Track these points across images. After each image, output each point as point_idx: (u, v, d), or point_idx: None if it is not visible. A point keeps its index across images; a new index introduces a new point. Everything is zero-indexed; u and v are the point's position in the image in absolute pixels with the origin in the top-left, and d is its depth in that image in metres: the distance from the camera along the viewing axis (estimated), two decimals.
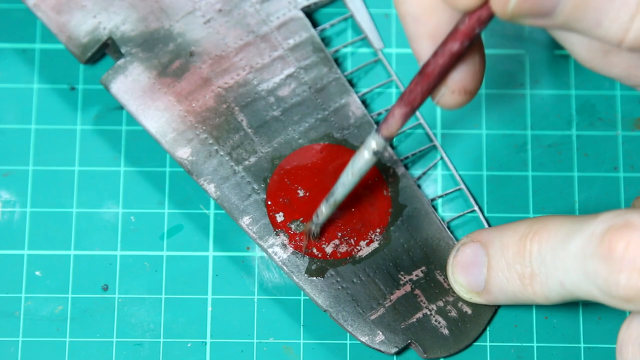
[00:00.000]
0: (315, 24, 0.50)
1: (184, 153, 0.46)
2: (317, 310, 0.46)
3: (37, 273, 0.47)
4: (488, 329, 0.46)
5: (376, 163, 0.47)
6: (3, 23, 0.50)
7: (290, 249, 0.45)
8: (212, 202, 0.48)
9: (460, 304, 0.45)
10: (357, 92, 0.49)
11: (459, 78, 0.39)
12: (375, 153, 0.40)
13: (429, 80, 0.38)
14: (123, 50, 0.48)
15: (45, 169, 0.48)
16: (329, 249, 0.45)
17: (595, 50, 0.39)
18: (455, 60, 0.38)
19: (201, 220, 0.48)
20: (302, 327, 0.46)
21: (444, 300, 0.45)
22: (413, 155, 0.48)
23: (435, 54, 0.38)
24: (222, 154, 0.47)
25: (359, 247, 0.46)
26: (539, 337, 0.46)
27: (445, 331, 0.45)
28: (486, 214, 0.48)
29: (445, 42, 0.38)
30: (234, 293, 0.47)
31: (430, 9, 0.38)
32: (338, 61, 0.50)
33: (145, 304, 0.46)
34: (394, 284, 0.45)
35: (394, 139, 0.49)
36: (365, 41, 0.50)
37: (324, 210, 0.44)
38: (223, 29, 0.48)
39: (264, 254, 0.47)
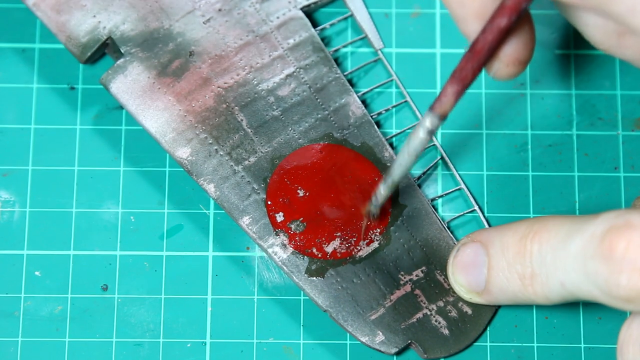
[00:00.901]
0: (315, 24, 0.50)
1: (183, 153, 0.46)
2: (317, 311, 0.46)
3: (37, 273, 0.47)
4: (488, 329, 0.46)
5: (376, 163, 0.47)
6: (3, 23, 0.50)
7: (290, 249, 0.45)
8: (211, 202, 0.48)
9: (460, 304, 0.45)
10: (357, 92, 0.49)
11: (512, 51, 0.39)
12: (430, 132, 0.40)
13: (479, 57, 0.38)
14: (123, 50, 0.48)
15: (45, 168, 0.48)
16: (329, 249, 0.45)
17: (610, 32, 0.39)
18: (505, 35, 0.38)
19: (201, 220, 0.48)
20: (302, 327, 0.46)
21: (444, 300, 0.45)
22: None
23: (484, 31, 0.38)
24: (221, 153, 0.46)
25: (359, 247, 0.46)
26: (539, 337, 0.46)
27: (446, 331, 0.45)
28: (486, 214, 0.48)
29: (493, 19, 0.38)
30: (233, 293, 0.47)
31: None
32: (338, 61, 0.50)
33: (145, 304, 0.46)
34: (394, 284, 0.45)
35: (394, 139, 0.49)
36: (365, 41, 0.50)
37: (382, 191, 0.43)
38: (223, 28, 0.48)
39: (264, 254, 0.47)
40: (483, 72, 0.49)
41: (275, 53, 0.48)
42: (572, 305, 0.46)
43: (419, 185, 0.48)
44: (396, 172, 0.42)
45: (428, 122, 0.40)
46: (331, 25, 0.50)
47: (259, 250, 0.47)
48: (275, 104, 0.48)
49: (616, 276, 0.36)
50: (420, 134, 0.40)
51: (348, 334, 0.46)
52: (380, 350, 0.45)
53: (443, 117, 0.40)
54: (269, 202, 0.46)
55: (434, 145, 0.48)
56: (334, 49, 0.49)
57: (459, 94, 0.39)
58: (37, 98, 0.49)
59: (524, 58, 0.40)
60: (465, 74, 0.39)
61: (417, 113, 0.49)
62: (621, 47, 0.39)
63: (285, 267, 0.45)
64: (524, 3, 0.37)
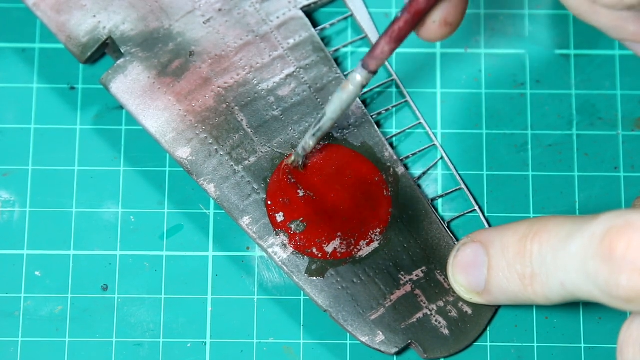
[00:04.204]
0: (315, 24, 0.50)
1: (183, 153, 0.46)
2: (317, 310, 0.46)
3: (37, 273, 0.47)
4: (488, 329, 0.46)
5: (376, 163, 0.47)
6: (3, 23, 0.50)
7: (290, 249, 0.45)
8: (212, 202, 0.48)
9: (460, 304, 0.45)
10: None
11: (443, 13, 0.41)
12: (361, 86, 0.42)
13: (414, 16, 0.40)
14: (123, 50, 0.48)
15: (45, 168, 0.48)
16: (329, 249, 0.45)
17: None
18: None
19: (201, 220, 0.48)
20: (302, 327, 0.46)
21: (444, 300, 0.45)
22: (413, 155, 0.48)
23: None
24: (222, 153, 0.46)
25: (359, 247, 0.46)
26: (540, 337, 0.46)
27: (446, 331, 0.45)
28: (486, 214, 0.48)
29: None
30: (234, 293, 0.47)
31: None
32: (338, 61, 0.50)
33: (145, 304, 0.46)
34: (394, 284, 0.45)
35: (394, 139, 0.49)
36: (365, 41, 0.50)
37: (310, 142, 0.45)
38: (223, 28, 0.48)
39: (264, 254, 0.47)
40: (484, 75, 0.49)
41: (276, 53, 0.48)
42: (572, 305, 0.46)
43: (419, 185, 0.48)
44: (326, 124, 0.44)
45: (359, 77, 0.42)
46: (331, 25, 0.50)
47: (259, 250, 0.47)
48: (275, 103, 0.48)
49: (616, 276, 0.36)
50: (351, 88, 0.42)
51: (348, 334, 0.46)
52: (380, 350, 0.45)
53: (374, 73, 0.42)
54: (269, 202, 0.46)
55: (434, 144, 0.48)
56: (334, 49, 0.49)
57: (392, 51, 0.41)
58: (37, 98, 0.49)
59: (452, 20, 0.41)
60: (400, 32, 0.41)
61: (418, 113, 0.49)
62: (594, 14, 0.40)
63: (285, 267, 0.45)
64: None
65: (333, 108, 0.43)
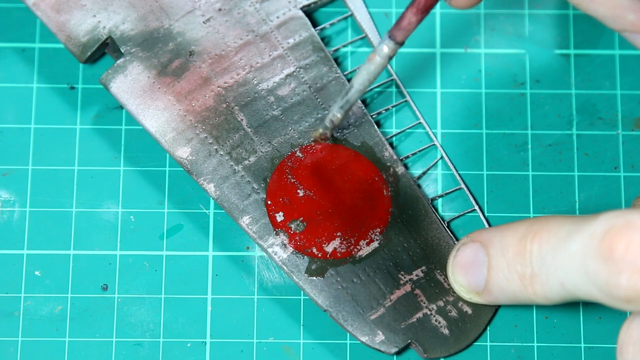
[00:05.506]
0: (315, 24, 0.50)
1: (183, 152, 0.46)
2: (317, 310, 0.46)
3: (37, 273, 0.47)
4: (488, 328, 0.46)
5: (376, 163, 0.47)
6: (3, 22, 0.50)
7: (290, 249, 0.45)
8: (211, 202, 0.48)
9: (460, 303, 0.45)
10: None
11: None
12: (388, 57, 0.42)
13: None
14: (123, 50, 0.48)
15: (45, 168, 0.48)
16: (329, 249, 0.45)
17: None
18: None
19: (201, 219, 0.48)
20: (302, 327, 0.46)
21: (444, 300, 0.45)
22: (413, 154, 0.48)
23: None
24: (221, 153, 0.46)
25: (359, 247, 0.46)
26: (540, 337, 0.46)
27: (446, 331, 0.45)
28: (486, 214, 0.48)
29: None
30: (233, 293, 0.47)
31: None
32: (338, 60, 0.50)
33: (144, 304, 0.46)
34: (394, 284, 0.45)
35: (394, 139, 0.49)
36: (365, 41, 0.50)
37: (338, 114, 0.45)
38: (223, 28, 0.48)
39: (264, 254, 0.47)
40: (484, 75, 0.49)
41: (275, 53, 0.48)
42: (572, 305, 0.46)
43: (419, 185, 0.48)
44: (353, 96, 0.44)
45: (386, 48, 0.42)
46: (331, 25, 0.50)
47: (259, 250, 0.47)
48: (275, 103, 0.48)
49: (616, 276, 0.36)
50: (379, 59, 0.42)
51: (348, 334, 0.46)
52: (380, 350, 0.45)
53: (401, 44, 0.42)
54: (269, 202, 0.46)
55: (434, 144, 0.49)
56: (334, 48, 0.49)
57: (418, 22, 0.41)
58: (37, 98, 0.49)
59: None
60: (426, 3, 0.41)
61: (417, 113, 0.49)
62: (593, 3, 0.40)
63: (285, 267, 0.45)
64: None
65: (360, 80, 0.43)
